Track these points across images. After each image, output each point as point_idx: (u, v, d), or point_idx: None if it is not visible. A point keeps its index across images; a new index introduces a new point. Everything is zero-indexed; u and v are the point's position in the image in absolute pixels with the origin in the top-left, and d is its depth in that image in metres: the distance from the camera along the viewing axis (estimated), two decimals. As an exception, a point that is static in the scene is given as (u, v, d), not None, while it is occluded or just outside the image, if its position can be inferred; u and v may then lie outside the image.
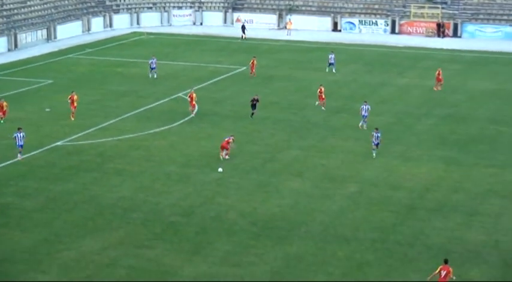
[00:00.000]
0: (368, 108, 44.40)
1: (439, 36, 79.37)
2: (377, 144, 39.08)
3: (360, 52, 70.94)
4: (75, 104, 45.93)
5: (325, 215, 31.94)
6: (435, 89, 54.79)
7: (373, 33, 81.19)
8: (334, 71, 60.27)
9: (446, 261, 25.39)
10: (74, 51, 70.24)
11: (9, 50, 70.03)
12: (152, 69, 57.55)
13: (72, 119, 45.38)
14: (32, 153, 39.74)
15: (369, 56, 69.12)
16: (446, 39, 78.05)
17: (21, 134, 37.49)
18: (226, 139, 38.95)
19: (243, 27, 77.45)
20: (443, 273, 25.10)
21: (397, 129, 45.00)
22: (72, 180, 35.76)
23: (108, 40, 76.13)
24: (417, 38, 78.55)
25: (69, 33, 76.96)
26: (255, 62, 59.09)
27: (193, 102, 46.36)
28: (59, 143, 41.89)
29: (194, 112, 46.36)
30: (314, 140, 42.87)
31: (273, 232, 30.04)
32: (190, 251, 28.34)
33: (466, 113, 49.22)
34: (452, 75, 61.24)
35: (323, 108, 48.28)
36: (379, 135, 39.01)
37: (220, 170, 35.68)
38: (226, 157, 38.44)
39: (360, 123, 44.53)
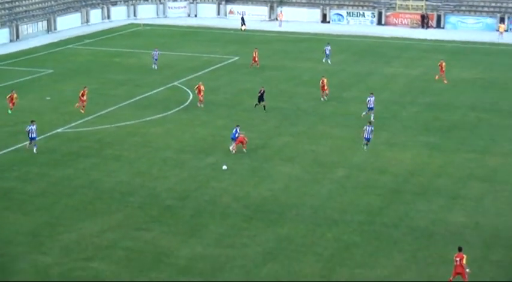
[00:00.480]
0: (374, 100, 43.24)
1: (423, 27, 79.23)
2: (368, 140, 37.32)
3: (348, 43, 70.74)
4: (85, 98, 44.30)
5: (314, 198, 31.93)
6: (445, 82, 53.00)
7: (360, 24, 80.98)
8: (329, 62, 59.73)
9: (460, 249, 24.43)
10: (73, 42, 69.77)
11: (11, 40, 69.70)
12: (156, 60, 56.98)
13: (82, 111, 44.26)
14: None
15: (357, 47, 68.96)
16: (430, 30, 77.93)
17: (34, 127, 36.33)
18: (240, 135, 37.55)
19: (243, 19, 77.04)
20: (457, 260, 24.08)
21: (383, 117, 44.94)
22: (72, 166, 35.59)
23: (106, 31, 75.66)
24: (402, 29, 78.39)
25: (69, 24, 76.52)
26: (256, 53, 58.33)
27: (201, 94, 45.41)
28: (59, 130, 41.66)
29: (201, 104, 45.54)
30: (304, 126, 42.80)
31: (265, 215, 30.01)
32: (186, 233, 28.29)
33: (448, 101, 49.20)
34: (434, 64, 61.08)
35: (324, 98, 47.61)
36: (372, 128, 37.52)
37: (224, 167, 34.30)
38: (233, 151, 37.25)
39: (364, 113, 43.46)
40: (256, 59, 58.11)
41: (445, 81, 53.29)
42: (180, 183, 33.61)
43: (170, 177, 34.25)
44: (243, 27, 76.39)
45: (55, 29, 75.02)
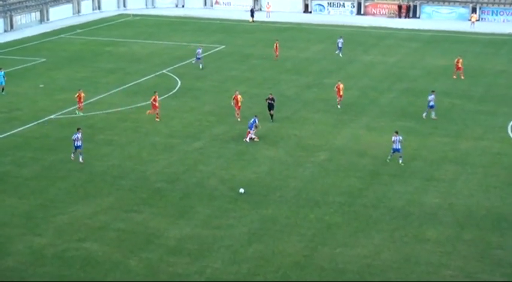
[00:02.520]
0: (434, 98, 40.13)
1: (399, 17, 79.06)
2: (398, 150, 33.11)
3: (329, 32, 70.44)
4: (82, 100, 41.71)
5: (297, 181, 31.86)
6: (462, 77, 49.79)
7: (340, 14, 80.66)
8: (341, 55, 57.66)
9: None
10: (66, 31, 68.93)
11: (5, 30, 68.82)
12: (198, 59, 52.52)
13: (79, 112, 41.42)
14: (28, 125, 39.08)
15: (337, 36, 68.59)
16: (407, 19, 77.80)
17: (80, 135, 32.69)
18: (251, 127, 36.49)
19: (252, 11, 76.06)
20: None
21: (363, 102, 44.88)
22: (65, 150, 35.19)
23: (97, 21, 74.81)
24: (380, 19, 78.20)
25: (61, 15, 75.66)
26: (278, 45, 56.60)
27: (239, 105, 39.68)
28: (52, 116, 41.20)
29: (238, 116, 39.52)
30: (287, 112, 42.64)
31: (250, 197, 29.91)
32: (175, 214, 28.14)
33: (423, 87, 49.13)
34: (410, 52, 61.14)
35: (338, 105, 42.53)
36: (400, 138, 33.31)
37: (241, 190, 29.77)
38: (250, 139, 36.33)
39: (424, 114, 40.73)
40: (278, 51, 56.05)
41: (462, 77, 49.97)
42: (169, 166, 33.41)
43: (159, 161, 34.04)
44: (251, 19, 75.31)
45: (48, 19, 74.08)
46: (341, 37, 59.18)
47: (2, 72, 45.98)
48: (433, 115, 40.70)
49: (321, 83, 50.24)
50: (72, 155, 32.97)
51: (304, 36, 66.77)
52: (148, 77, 51.24)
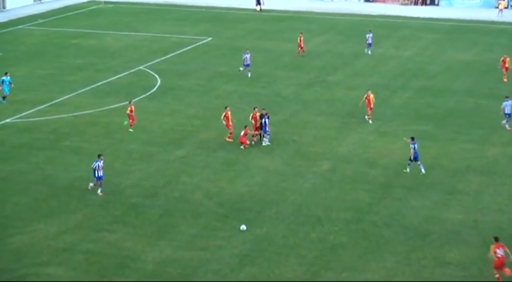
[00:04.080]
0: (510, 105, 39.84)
1: (415, 4, 79.41)
2: (415, 159, 33.78)
3: (333, 21, 70.72)
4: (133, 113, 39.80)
5: (296, 194, 31.87)
6: (505, 80, 49.46)
7: (346, 1, 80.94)
8: (370, 52, 56.89)
9: (497, 239, 24.68)
10: (25, 21, 68.94)
11: (-46, 20, 68.55)
12: (246, 66, 49.92)
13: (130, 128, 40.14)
14: (-19, 131, 39.11)
15: (342, 26, 68.95)
16: (423, 7, 78.15)
17: (101, 163, 31.25)
18: (242, 133, 37.15)
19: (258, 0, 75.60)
20: (500, 252, 24.32)
21: (374, 103, 44.88)
22: (24, 160, 35.11)
23: (63, 9, 74.86)
24: (392, 6, 78.55)
25: (20, 2, 75.68)
26: (302, 38, 56.01)
27: (231, 123, 38.35)
28: (8, 120, 41.13)
29: (230, 137, 38.16)
30: (285, 114, 42.69)
31: (242, 213, 29.89)
32: (154, 234, 28.08)
33: (443, 85, 49.36)
34: (428, 45, 61.41)
35: (370, 120, 41.09)
36: (416, 146, 33.90)
37: (243, 227, 28.44)
38: (253, 141, 37.01)
39: (503, 122, 40.28)
40: (302, 45, 55.73)
41: (505, 79, 49.47)
42: (147, 178, 33.37)
43: (136, 172, 33.99)
44: (258, 8, 75.11)
45: (4, 7, 74.06)
46: (370, 31, 57.82)
47: (8, 78, 44.31)
48: (507, 126, 40.29)
49: (324, 80, 50.36)
50: (91, 184, 31.44)
51: (304, 27, 66.92)
52: (122, 74, 51.27)
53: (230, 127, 38.22)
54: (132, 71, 52.25)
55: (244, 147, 37.09)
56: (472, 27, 68.68)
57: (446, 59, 56.64)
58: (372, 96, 41.16)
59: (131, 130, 39.06)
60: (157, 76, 50.70)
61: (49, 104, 44.05)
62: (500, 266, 24.55)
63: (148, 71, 52.32)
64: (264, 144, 37.39)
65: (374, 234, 28.31)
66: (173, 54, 57.21)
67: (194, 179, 33.41)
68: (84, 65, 53.59)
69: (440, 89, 48.61)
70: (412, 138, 34.57)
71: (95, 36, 63.10)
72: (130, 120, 39.44)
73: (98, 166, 31.13)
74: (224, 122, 38.38)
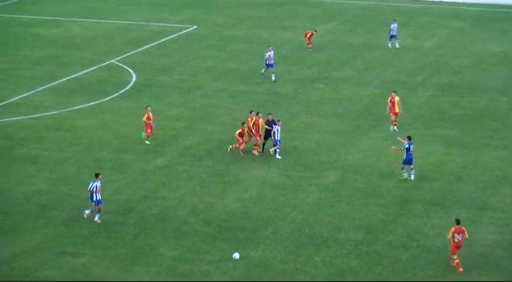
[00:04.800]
0: None
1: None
2: (408, 162, 34.61)
3: (340, 6, 70.82)
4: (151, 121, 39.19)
5: (297, 211, 31.82)
6: None
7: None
8: (397, 45, 56.44)
9: (458, 222, 27.43)
10: (-24, 6, 69.00)
11: None
12: (268, 66, 48.54)
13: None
14: None
15: (351, 11, 69.05)
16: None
17: (99, 183, 30.48)
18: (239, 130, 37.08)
19: None
20: (459, 237, 27.17)
21: (386, 103, 44.83)
22: (-27, 171, 35.15)
23: (20, -8, 74.82)
24: (410, -11, 78.76)
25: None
26: (314, 34, 55.81)
27: (259, 134, 37.53)
28: (-44, 123, 41.22)
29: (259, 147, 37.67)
30: (283, 116, 42.60)
31: (233, 233, 29.83)
32: (128, 258, 28.00)
33: (471, 82, 49.44)
34: (452, 34, 61.53)
35: (395, 128, 40.63)
36: (411, 147, 34.71)
37: (236, 255, 27.93)
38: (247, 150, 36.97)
39: None
40: (310, 39, 55.63)
41: None
42: (120, 192, 33.31)
43: (106, 185, 33.79)
44: None
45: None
46: (395, 21, 57.14)
47: None
48: None
49: (329, 76, 50.37)
50: (87, 212, 30.72)
51: (307, 13, 66.98)
52: (90, 68, 51.27)
53: (258, 137, 37.32)
54: (102, 65, 52.20)
55: (233, 148, 36.97)
56: (504, 13, 68.82)
57: (474, 50, 56.71)
58: (397, 99, 40.74)
59: (148, 142, 38.43)
60: (132, 71, 50.67)
61: (1, 104, 43.91)
62: (454, 251, 27.25)
63: (122, 65, 52.26)
64: (277, 156, 37.00)
65: (389, 257, 28.24)
66: (151, 45, 57.16)
67: (176, 192, 33.34)
68: (45, 58, 53.52)
69: (469, 86, 48.67)
70: (409, 138, 34.89)
71: (57, 24, 63.04)
72: (148, 130, 38.53)
73: (96, 187, 30.40)
74: (249, 132, 37.29)
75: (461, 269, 27.24)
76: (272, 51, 48.51)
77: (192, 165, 36.20)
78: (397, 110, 40.69)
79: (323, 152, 37.95)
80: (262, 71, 49.12)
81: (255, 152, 37.43)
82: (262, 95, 46.57)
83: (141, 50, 55.61)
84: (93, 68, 51.44)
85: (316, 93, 47.06)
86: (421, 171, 35.46)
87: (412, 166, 34.76)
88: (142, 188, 33.71)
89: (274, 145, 37.15)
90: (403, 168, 34.90)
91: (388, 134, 40.18)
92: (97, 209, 30.66)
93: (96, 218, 30.56)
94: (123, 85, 47.74)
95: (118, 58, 53.54)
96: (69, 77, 49.45)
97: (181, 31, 61.32)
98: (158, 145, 38.49)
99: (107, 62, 52.72)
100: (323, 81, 49.35)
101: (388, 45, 57.00)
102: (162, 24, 63.51)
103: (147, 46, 56.71)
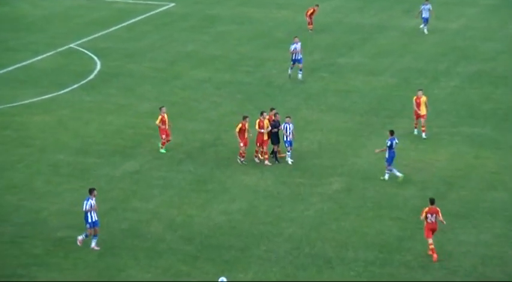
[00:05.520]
0: None
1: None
2: (391, 161, 35.52)
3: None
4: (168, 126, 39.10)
5: (296, 225, 31.84)
6: None
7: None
8: (426, 31, 56.50)
9: (432, 202, 29.69)
10: None
11: None
12: (295, 62, 47.48)
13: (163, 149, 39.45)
14: None
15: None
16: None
17: (94, 201, 29.92)
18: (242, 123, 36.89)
19: None
20: (432, 218, 29.56)
21: (403, 95, 45.05)
22: None
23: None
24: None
25: None
26: (316, 11, 56.26)
27: (265, 138, 37.28)
28: None
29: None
30: (279, 111, 42.59)
31: (218, 252, 29.82)
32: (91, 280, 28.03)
33: (505, 71, 49.58)
34: (482, 12, 61.64)
35: (423, 134, 40.10)
36: (395, 141, 35.62)
37: (222, 279, 26.91)
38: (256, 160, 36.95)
39: None
40: (311, 17, 56.24)
41: None
42: (81, 202, 33.09)
43: (65, 194, 33.94)
44: None
45: None
46: (427, 1, 56.91)
47: None
48: None
49: (334, 63, 50.40)
50: (81, 238, 30.10)
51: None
52: (45, 55, 51.46)
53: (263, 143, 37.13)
54: (59, 50, 52.25)
55: (243, 156, 36.73)
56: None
57: (509, 33, 56.81)
58: (424, 99, 40.02)
59: (164, 150, 38.12)
60: (95, 58, 50.74)
61: None
62: (428, 233, 29.43)
63: (83, 50, 52.27)
64: (289, 161, 37.07)
65: (407, 280, 28.27)
66: (119, 26, 57.12)
67: (150, 203, 33.34)
68: (-10, 42, 53.63)
69: (502, 75, 48.81)
70: (391, 133, 35.25)
71: (3, 2, 62.98)
72: (163, 136, 38.01)
73: (91, 206, 29.91)
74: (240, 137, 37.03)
75: (436, 256, 29.12)
76: (299, 44, 47.33)
77: (169, 170, 36.22)
78: (422, 111, 39.84)
79: (326, 154, 37.98)
80: (290, 71, 47.70)
81: (267, 162, 37.05)
82: (253, 86, 46.60)
83: (106, 33, 55.60)
84: (48, 54, 51.48)
85: (318, 83, 47.09)
86: (446, 177, 35.52)
87: (391, 166, 35.45)
88: (109, 198, 33.65)
89: (287, 147, 36.96)
90: (390, 170, 35.38)
91: (405, 133, 40.11)
92: (93, 232, 30.08)
93: (93, 245, 30.06)
94: (84, 74, 47.81)
95: (78, 42, 53.57)
96: (18, 65, 49.56)
97: (155, 10, 61.31)
98: (128, 146, 38.48)
99: (65, 47, 52.76)
100: (327, 69, 49.44)
101: (423, 31, 56.75)
102: (132, 1, 63.44)
103: (114, 28, 56.69)
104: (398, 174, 35.37)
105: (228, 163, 36.94)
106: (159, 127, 38.11)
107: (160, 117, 38.01)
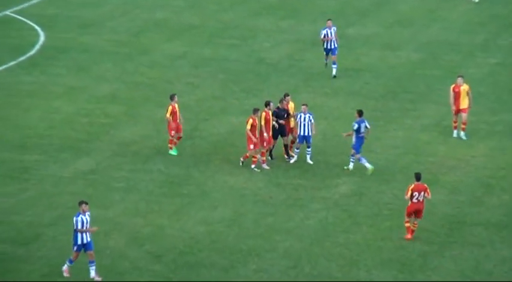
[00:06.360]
0: None
1: None
2: (358, 148, 36.48)
3: None
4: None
5: (293, 238, 31.80)
6: None
7: None
8: None
9: (418, 177, 31.38)
10: None
11: None
12: (328, 51, 46.29)
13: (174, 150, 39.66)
14: None
15: None
16: None
17: (87, 217, 29.62)
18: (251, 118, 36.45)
19: None
20: (419, 197, 31.25)
21: (428, 75, 45.17)
22: None
23: None
24: None
25: None
26: None
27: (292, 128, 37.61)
28: None
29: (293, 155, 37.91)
30: (272, 95, 42.54)
31: (195, 272, 29.76)
32: (34, 310, 28.06)
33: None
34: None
35: (462, 134, 39.66)
36: (364, 125, 36.48)
37: None
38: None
39: None
40: None
41: None
42: (21, 210, 33.20)
43: None
44: None
45: None
46: None
47: None
48: None
49: (342, 35, 50.24)
50: (66, 267, 29.54)
51: None
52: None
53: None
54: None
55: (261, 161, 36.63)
56: None
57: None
58: (464, 87, 39.51)
59: (174, 152, 37.92)
60: (38, 28, 50.79)
61: None
62: (411, 213, 31.26)
63: (22, 18, 52.28)
64: (309, 160, 37.27)
65: (434, 308, 28.42)
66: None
67: (109, 211, 33.33)
68: None
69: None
70: (360, 113, 35.96)
71: None
72: (172, 132, 37.62)
73: (83, 223, 29.50)
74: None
75: (409, 236, 31.14)
76: (333, 28, 46.24)
77: (134, 169, 36.25)
78: (464, 104, 39.18)
79: (332, 149, 38.03)
80: (326, 59, 46.46)
81: (264, 166, 36.95)
82: (241, 63, 46.67)
83: (53, -4, 55.66)
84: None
85: (321, 60, 47.01)
86: (484, 177, 35.56)
87: (359, 155, 36.26)
88: (56, 204, 33.61)
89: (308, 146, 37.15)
90: (359, 159, 36.10)
91: (431, 122, 40.24)
92: (90, 256, 29.52)
93: (93, 274, 29.46)
94: (24, 49, 47.99)
95: (15, 8, 53.67)
96: None
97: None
98: (81, 140, 38.43)
99: (3, 13, 52.75)
100: (332, 42, 49.46)
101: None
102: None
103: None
104: (367, 165, 36.04)
105: (208, 160, 36.95)
106: (169, 121, 37.57)
107: (170, 107, 37.46)
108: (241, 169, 36.40)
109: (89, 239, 29.31)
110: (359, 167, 36.65)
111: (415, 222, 31.50)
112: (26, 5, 54.00)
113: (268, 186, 35.23)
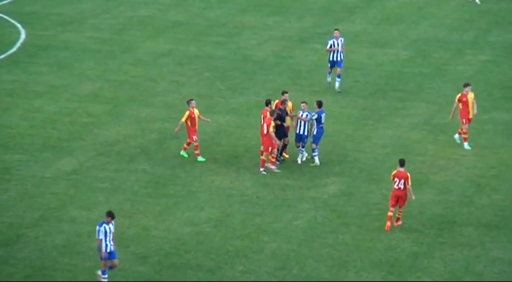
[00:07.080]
0: None
1: None
2: (314, 139, 37.09)
3: None
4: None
5: (281, 239, 31.92)
6: None
7: None
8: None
9: (402, 163, 31.96)
10: None
11: None
12: (333, 64, 44.66)
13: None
14: None
15: None
16: None
17: (112, 227, 29.57)
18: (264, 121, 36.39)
19: None
20: (400, 184, 31.90)
21: (418, 73, 45.24)
22: None
23: None
24: None
25: None
26: None
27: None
28: None
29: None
30: (258, 94, 42.75)
31: (182, 274, 29.84)
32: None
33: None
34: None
35: (465, 143, 39.19)
36: (323, 115, 36.93)
37: None
38: (272, 167, 36.81)
39: None
40: None
41: None
42: (0, 212, 33.21)
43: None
44: None
45: None
46: None
47: None
48: None
49: (330, 31, 49.82)
50: (101, 273, 29.47)
51: None
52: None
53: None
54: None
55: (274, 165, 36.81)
56: None
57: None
58: (471, 95, 39.26)
59: (185, 154, 37.83)
60: (19, 25, 50.83)
61: None
62: (393, 200, 32.10)
63: (2, 15, 52.28)
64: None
65: (424, 309, 28.54)
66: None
67: (92, 212, 33.36)
68: None
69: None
70: (319, 104, 36.40)
71: None
72: (194, 137, 37.24)
73: (106, 233, 29.33)
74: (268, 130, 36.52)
75: (389, 224, 32.14)
76: (340, 39, 45.10)
77: (118, 169, 36.32)
78: (471, 113, 38.86)
79: (321, 148, 37.91)
80: (329, 77, 45.31)
81: (273, 167, 36.97)
82: (226, 61, 46.70)
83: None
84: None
85: (309, 57, 47.19)
86: (474, 177, 35.70)
87: (316, 145, 36.81)
88: (38, 205, 33.65)
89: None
90: (314, 150, 36.83)
91: (421, 121, 40.30)
92: (108, 264, 29.39)
93: (100, 272, 29.35)
94: (3, 47, 48.02)
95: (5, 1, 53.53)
96: None
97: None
98: (63, 139, 38.50)
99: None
100: (320, 39, 49.54)
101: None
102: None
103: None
104: (316, 159, 36.92)
105: (194, 160, 37.06)
106: (187, 126, 37.20)
107: (187, 113, 37.07)
108: (227, 169, 36.47)
109: (112, 248, 29.19)
110: (348, 167, 36.79)
111: (400, 211, 32.37)
112: (5, 1, 53.92)
113: (255, 186, 35.32)
